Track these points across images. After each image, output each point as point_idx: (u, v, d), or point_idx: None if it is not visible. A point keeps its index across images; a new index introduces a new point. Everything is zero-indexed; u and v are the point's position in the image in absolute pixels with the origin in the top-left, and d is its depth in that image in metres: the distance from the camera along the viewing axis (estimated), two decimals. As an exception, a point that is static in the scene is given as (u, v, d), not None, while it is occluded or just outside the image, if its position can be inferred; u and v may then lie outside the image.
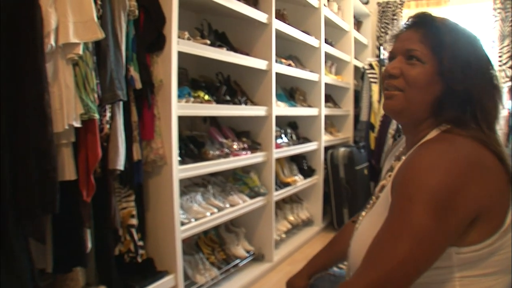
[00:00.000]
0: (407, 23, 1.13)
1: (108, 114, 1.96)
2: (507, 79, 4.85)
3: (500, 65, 5.02)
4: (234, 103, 2.96)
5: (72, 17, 1.70)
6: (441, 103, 1.05)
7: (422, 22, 1.10)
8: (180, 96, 2.44)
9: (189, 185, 2.88)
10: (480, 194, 0.92)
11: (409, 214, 0.90)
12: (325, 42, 4.40)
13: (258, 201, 3.20)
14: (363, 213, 1.22)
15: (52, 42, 1.64)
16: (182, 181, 2.52)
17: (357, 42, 5.47)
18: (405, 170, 0.97)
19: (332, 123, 5.08)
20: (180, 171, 2.38)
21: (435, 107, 1.05)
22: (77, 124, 1.74)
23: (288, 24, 3.68)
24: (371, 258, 0.93)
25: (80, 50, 1.72)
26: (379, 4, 5.95)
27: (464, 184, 0.91)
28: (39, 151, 1.61)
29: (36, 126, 1.60)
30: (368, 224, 1.11)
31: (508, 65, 5.02)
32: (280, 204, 3.96)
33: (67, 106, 1.70)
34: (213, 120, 3.24)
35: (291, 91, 4.24)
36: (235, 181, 3.27)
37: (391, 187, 1.02)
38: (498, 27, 5.18)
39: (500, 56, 5.10)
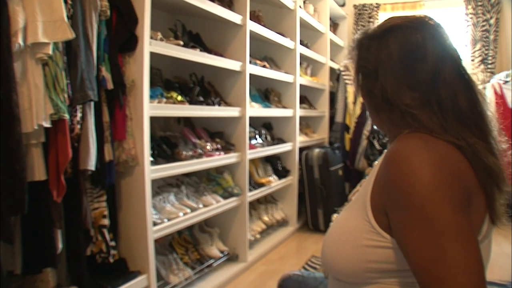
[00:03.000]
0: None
1: (79, 115, 1.95)
2: (479, 83, 4.95)
3: (472, 69, 5.13)
4: (207, 104, 2.96)
5: (41, 17, 1.69)
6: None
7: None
8: (152, 96, 2.44)
9: (163, 186, 2.88)
10: (464, 185, 0.91)
11: (437, 220, 0.85)
12: (301, 43, 4.44)
13: (231, 202, 3.22)
14: (335, 215, 1.23)
15: (20, 41, 1.63)
16: (155, 182, 2.53)
17: (333, 44, 5.52)
18: (393, 176, 0.92)
19: (307, 124, 5.12)
20: (152, 171, 2.38)
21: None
22: (47, 124, 1.73)
23: (263, 25, 3.70)
24: (432, 283, 0.85)
25: (49, 50, 1.71)
26: (355, 6, 6.03)
27: (453, 174, 0.90)
28: (7, 151, 1.59)
29: (4, 126, 1.59)
30: (340, 221, 1.11)
31: (480, 69, 5.14)
32: (255, 205, 3.99)
33: (37, 106, 1.69)
34: (187, 121, 3.25)
35: (266, 92, 4.27)
36: (209, 181, 3.28)
37: (372, 193, 0.99)
38: (470, 32, 5.32)
39: (472, 60, 5.23)
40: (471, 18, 5.31)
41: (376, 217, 0.97)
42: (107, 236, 2.19)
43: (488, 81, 4.81)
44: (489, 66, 5.21)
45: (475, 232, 0.91)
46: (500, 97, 4.47)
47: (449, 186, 0.87)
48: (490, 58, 5.22)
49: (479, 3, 5.27)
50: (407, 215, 0.88)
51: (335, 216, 1.22)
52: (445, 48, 1.03)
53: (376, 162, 1.13)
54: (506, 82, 4.57)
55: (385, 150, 1.21)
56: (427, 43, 1.01)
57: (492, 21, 5.22)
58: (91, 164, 2.00)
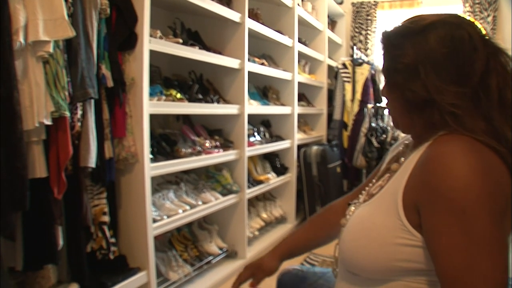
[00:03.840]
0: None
1: (79, 112, 1.96)
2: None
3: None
4: (206, 102, 2.98)
5: (42, 15, 1.70)
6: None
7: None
8: (152, 94, 2.45)
9: (162, 183, 2.90)
10: (505, 194, 0.91)
11: (475, 230, 0.85)
12: (299, 41, 4.45)
13: (230, 199, 3.23)
14: (352, 208, 1.19)
15: (21, 39, 1.63)
16: (154, 179, 2.54)
17: (331, 41, 5.54)
18: (435, 178, 0.90)
19: (305, 121, 5.14)
20: (152, 168, 2.40)
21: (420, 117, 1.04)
22: (48, 122, 1.74)
23: (261, 23, 3.72)
24: None
25: (50, 48, 1.72)
26: (353, 4, 6.04)
27: (497, 184, 0.89)
28: (9, 148, 1.60)
29: (5, 124, 1.60)
30: (363, 216, 1.09)
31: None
32: (253, 202, 4.00)
33: (37, 104, 1.70)
34: (186, 118, 3.26)
35: (265, 89, 4.28)
36: (208, 178, 3.29)
37: (404, 190, 0.98)
38: (468, 29, 5.31)
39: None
40: (468, 16, 5.31)
41: (407, 215, 0.96)
42: (107, 233, 2.20)
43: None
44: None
45: (509, 236, 0.92)
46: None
47: (492, 197, 0.87)
48: (487, 55, 5.23)
49: (477, 1, 5.30)
50: (444, 219, 0.88)
51: (352, 209, 1.19)
52: (491, 42, 1.02)
53: (402, 159, 1.11)
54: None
55: (405, 143, 1.21)
56: (474, 37, 0.99)
57: (489, 19, 5.25)
58: (92, 162, 2.01)
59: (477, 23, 1.03)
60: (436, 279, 0.91)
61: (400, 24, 1.07)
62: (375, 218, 1.02)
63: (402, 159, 1.12)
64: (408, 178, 0.98)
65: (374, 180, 1.23)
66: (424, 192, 0.92)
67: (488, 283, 0.83)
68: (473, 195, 0.85)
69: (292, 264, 1.58)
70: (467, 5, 5.34)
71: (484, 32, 1.02)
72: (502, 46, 1.02)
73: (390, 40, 1.07)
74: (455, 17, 1.03)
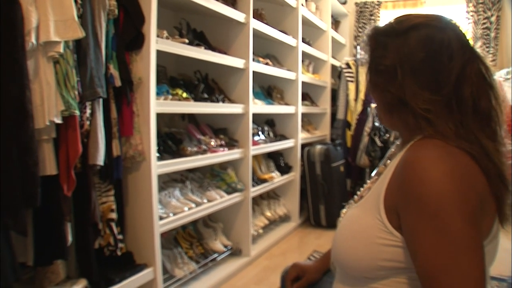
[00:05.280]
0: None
1: (88, 111, 2.00)
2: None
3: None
4: (212, 101, 3.01)
5: (53, 16, 1.74)
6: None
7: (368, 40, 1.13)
8: (158, 93, 2.49)
9: (168, 181, 2.93)
10: (478, 195, 0.93)
11: (449, 231, 0.88)
12: (303, 41, 4.49)
13: (235, 197, 3.27)
14: (344, 210, 1.23)
15: (33, 40, 1.68)
16: (160, 177, 2.58)
17: (334, 41, 5.56)
18: (409, 183, 0.93)
19: (309, 121, 5.17)
20: (158, 166, 2.43)
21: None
22: (58, 120, 1.78)
23: (266, 23, 3.75)
24: None
25: (60, 48, 1.76)
26: (357, 4, 6.06)
27: (468, 185, 0.92)
28: (20, 146, 1.65)
29: (18, 122, 1.64)
30: (351, 217, 1.13)
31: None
32: (258, 200, 4.04)
33: (48, 103, 1.74)
34: (191, 118, 3.29)
35: (269, 89, 4.32)
36: (213, 177, 3.33)
37: (385, 193, 1.01)
38: (471, 30, 5.35)
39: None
40: (472, 15, 5.35)
41: (389, 217, 0.99)
42: (115, 230, 2.24)
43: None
44: (490, 63, 5.24)
45: (485, 236, 0.96)
46: (500, 94, 4.50)
47: (464, 198, 0.89)
48: (491, 55, 5.25)
49: (480, 1, 5.31)
50: (420, 222, 0.91)
51: (344, 211, 1.23)
52: (470, 48, 1.02)
53: (389, 161, 1.15)
54: (506, 79, 4.61)
55: (396, 144, 1.23)
56: (452, 43, 1.00)
57: (493, 19, 5.26)
58: (100, 159, 2.05)
59: (461, 28, 1.05)
60: (417, 277, 0.94)
61: (389, 22, 1.10)
62: (361, 220, 1.06)
63: (389, 161, 1.16)
64: (388, 182, 1.02)
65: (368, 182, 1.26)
66: (401, 196, 0.96)
67: (465, 280, 0.86)
68: (445, 198, 0.89)
69: (297, 260, 1.61)
70: (470, 4, 5.36)
71: (465, 37, 1.03)
72: (480, 54, 1.04)
73: (376, 38, 1.09)
74: (440, 20, 1.05)
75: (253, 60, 3.47)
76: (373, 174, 1.25)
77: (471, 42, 1.04)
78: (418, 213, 0.91)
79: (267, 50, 4.23)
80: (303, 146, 4.55)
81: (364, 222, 1.04)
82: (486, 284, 0.90)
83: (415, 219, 0.92)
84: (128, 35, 2.28)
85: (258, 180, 3.72)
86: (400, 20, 1.07)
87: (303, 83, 4.49)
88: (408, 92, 1.00)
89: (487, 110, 1.01)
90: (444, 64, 0.99)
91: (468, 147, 0.96)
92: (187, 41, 2.69)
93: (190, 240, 3.06)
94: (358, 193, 1.25)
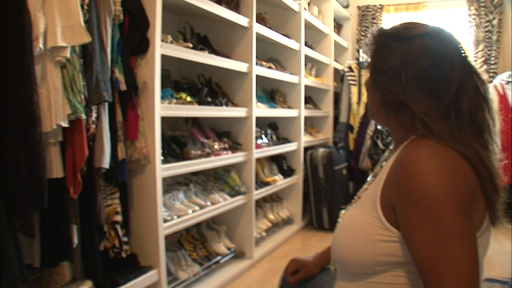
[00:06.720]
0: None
1: (94, 115, 2.02)
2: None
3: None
4: (215, 104, 3.04)
5: (60, 22, 1.77)
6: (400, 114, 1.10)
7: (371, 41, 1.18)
8: (163, 97, 2.51)
9: (172, 184, 2.96)
10: (469, 189, 0.99)
11: (443, 223, 0.93)
12: (305, 45, 4.51)
13: (238, 200, 3.29)
14: (343, 211, 1.29)
15: (41, 45, 1.70)
16: (165, 180, 2.60)
17: (337, 45, 5.59)
18: (403, 180, 0.99)
19: (312, 124, 5.19)
20: (163, 169, 2.46)
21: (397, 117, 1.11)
22: (65, 124, 1.81)
23: (268, 27, 3.77)
24: (433, 279, 0.94)
25: (67, 53, 1.79)
26: (359, 8, 6.08)
27: (460, 180, 0.97)
28: (28, 149, 1.67)
29: (26, 126, 1.66)
30: (349, 217, 1.18)
31: (482, 69, 5.19)
32: (261, 203, 4.06)
33: (55, 107, 1.76)
34: (195, 121, 3.32)
35: (272, 92, 4.34)
36: (216, 180, 3.35)
37: (382, 192, 1.06)
38: (473, 33, 5.36)
39: (475, 61, 5.27)
40: (473, 19, 5.37)
41: (385, 214, 1.04)
42: (120, 232, 2.26)
43: (491, 82, 4.86)
44: (492, 66, 5.27)
45: (477, 228, 1.01)
46: (502, 97, 4.53)
47: (455, 192, 0.95)
48: (492, 58, 5.28)
49: (482, 4, 5.33)
50: (415, 216, 0.96)
51: (342, 212, 1.28)
52: (468, 63, 1.08)
53: (384, 163, 1.20)
54: (508, 82, 4.63)
55: (390, 148, 1.28)
56: (454, 57, 1.06)
57: (494, 22, 5.28)
58: (105, 163, 2.07)
59: (462, 43, 1.10)
60: (415, 270, 0.99)
61: (396, 26, 1.15)
62: (359, 219, 1.11)
63: (384, 163, 1.21)
64: (384, 181, 1.07)
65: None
66: (397, 193, 1.01)
67: (459, 269, 0.91)
68: (438, 193, 0.94)
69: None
70: (472, 8, 5.37)
71: (465, 53, 1.09)
72: (477, 69, 1.10)
73: (382, 39, 1.14)
74: (444, 33, 1.10)
75: (256, 64, 3.49)
76: (370, 175, 1.29)
77: (472, 45, 1.10)
78: (413, 207, 0.96)
79: (270, 54, 4.26)
80: (306, 149, 4.57)
81: (362, 221, 1.09)
82: (480, 272, 0.95)
83: (410, 213, 0.97)
84: (133, 39, 2.31)
85: (261, 183, 3.74)
86: (407, 27, 1.12)
87: (305, 86, 4.51)
88: (409, 95, 1.05)
89: (482, 122, 1.07)
90: (446, 75, 1.05)
91: (461, 148, 1.01)
92: (191, 45, 2.72)
93: (194, 242, 3.09)
94: (357, 194, 1.29)
